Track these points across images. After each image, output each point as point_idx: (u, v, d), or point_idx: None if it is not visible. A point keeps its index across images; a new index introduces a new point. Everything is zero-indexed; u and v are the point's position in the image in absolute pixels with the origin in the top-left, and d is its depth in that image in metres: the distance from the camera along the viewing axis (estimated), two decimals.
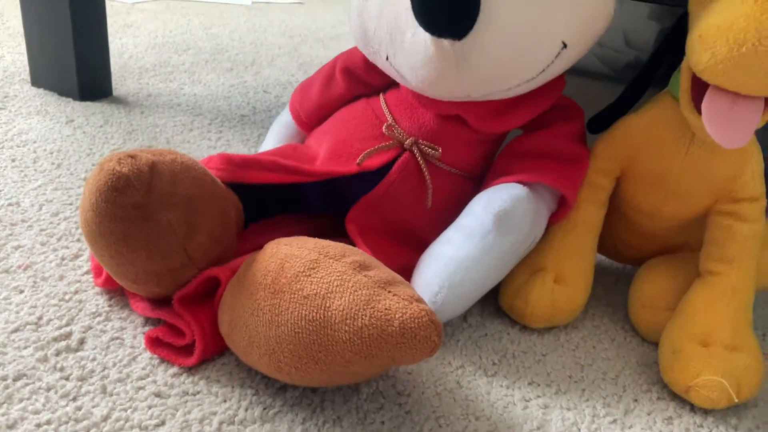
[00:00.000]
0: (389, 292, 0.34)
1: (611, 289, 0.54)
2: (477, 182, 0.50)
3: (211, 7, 1.56)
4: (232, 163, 0.46)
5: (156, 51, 1.12)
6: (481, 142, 0.49)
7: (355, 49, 0.53)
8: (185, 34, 1.26)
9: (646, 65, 0.47)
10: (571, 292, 0.47)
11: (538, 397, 0.42)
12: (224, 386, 0.39)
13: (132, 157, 0.37)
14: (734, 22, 0.35)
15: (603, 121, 0.49)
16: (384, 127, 0.48)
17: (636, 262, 0.51)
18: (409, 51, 0.43)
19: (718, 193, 0.44)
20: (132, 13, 1.39)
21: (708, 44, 0.36)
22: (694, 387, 0.40)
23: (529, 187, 0.45)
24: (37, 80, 0.87)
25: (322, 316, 0.34)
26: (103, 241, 0.38)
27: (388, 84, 0.52)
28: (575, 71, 1.24)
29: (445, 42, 0.40)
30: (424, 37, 0.41)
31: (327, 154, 0.49)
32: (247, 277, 0.37)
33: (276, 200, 0.52)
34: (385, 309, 0.33)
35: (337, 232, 0.49)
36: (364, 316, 0.33)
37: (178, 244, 0.39)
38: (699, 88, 0.39)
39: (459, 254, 0.42)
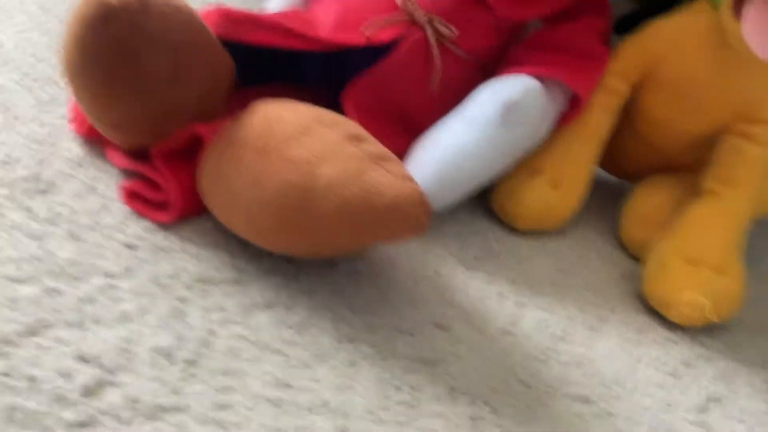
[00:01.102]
0: (382, 167, 0.33)
1: (606, 203, 0.53)
2: (487, 73, 0.48)
3: None
4: (230, 18, 0.43)
5: None
6: (499, 30, 0.46)
7: None
8: None
9: None
10: (565, 199, 0.46)
11: (515, 295, 0.41)
12: (198, 245, 0.38)
13: None
14: None
15: (632, 22, 0.45)
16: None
17: (635, 179, 0.50)
18: None
19: (738, 111, 0.42)
20: None
21: None
22: (674, 302, 0.40)
23: (542, 82, 0.42)
24: None
25: (308, 182, 0.32)
26: (84, 77, 0.35)
27: None
28: None
29: None
30: None
31: (334, 22, 0.46)
32: (232, 135, 0.35)
33: (271, 66, 0.49)
34: (376, 182, 0.32)
35: (332, 108, 0.46)
36: (353, 187, 0.31)
37: (162, 90, 0.36)
38: None
39: (458, 142, 0.40)
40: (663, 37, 0.43)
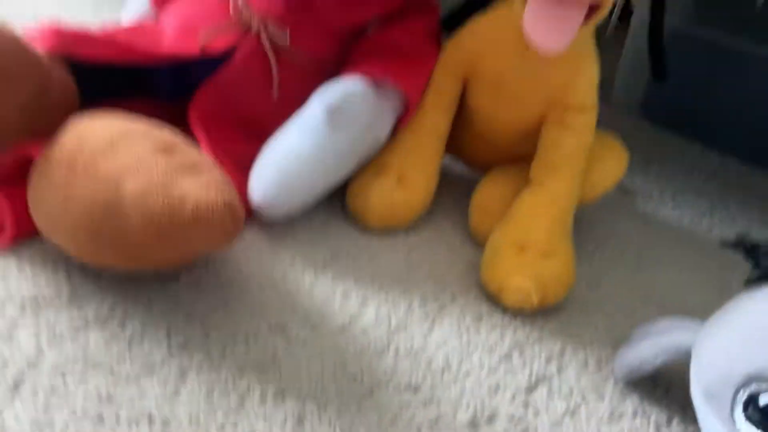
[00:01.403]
0: (189, 176, 0.34)
1: (461, 196, 0.55)
2: (330, 75, 0.49)
3: None
4: (63, 36, 0.43)
5: None
6: (334, 33, 0.48)
7: None
8: None
9: None
10: (412, 195, 0.48)
11: (359, 291, 0.43)
12: (36, 266, 0.39)
13: None
14: None
15: (457, 19, 0.48)
16: (230, 6, 0.46)
17: (483, 169, 0.52)
18: None
19: (550, 100, 0.44)
20: None
21: None
22: (504, 287, 0.43)
23: (373, 85, 0.44)
24: None
25: (114, 197, 0.33)
26: None
27: None
28: None
29: None
30: None
31: (172, 34, 0.47)
32: (48, 152, 0.36)
33: (125, 82, 0.50)
34: (180, 194, 0.33)
35: (184, 122, 0.47)
36: (157, 198, 0.33)
37: None
38: None
39: (292, 147, 0.42)
40: (479, 35, 0.45)
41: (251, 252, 0.44)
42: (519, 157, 0.49)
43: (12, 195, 0.39)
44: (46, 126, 0.41)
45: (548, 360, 0.41)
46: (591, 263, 0.52)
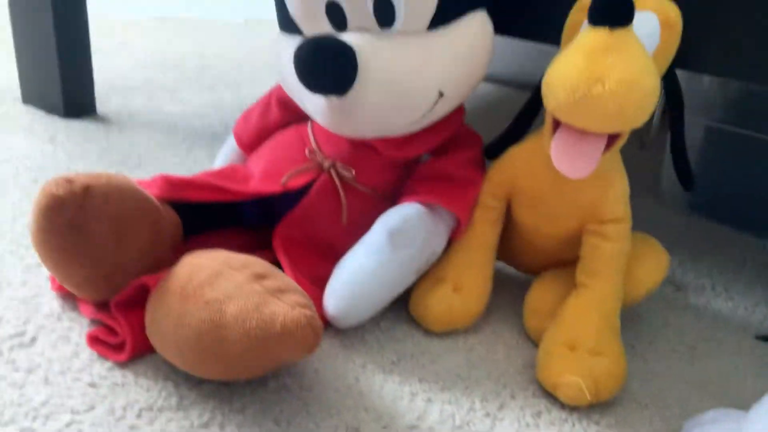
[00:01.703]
0: (278, 298, 0.41)
1: (515, 298, 0.60)
2: (390, 201, 0.57)
3: (204, 25, 1.63)
4: (171, 183, 0.53)
5: (143, 69, 1.19)
6: (393, 166, 0.56)
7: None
8: (174, 52, 1.34)
9: (532, 97, 0.53)
10: (468, 300, 0.53)
11: (425, 392, 0.48)
12: (149, 379, 0.46)
13: (69, 180, 0.44)
14: (568, 74, 0.41)
15: (497, 148, 0.55)
16: (306, 150, 0.55)
17: (535, 273, 0.57)
18: (311, 101, 0.51)
19: (585, 216, 0.50)
20: (126, 30, 1.47)
21: (552, 90, 0.42)
22: (558, 385, 0.46)
23: (428, 207, 0.51)
24: (27, 98, 0.95)
25: (218, 318, 0.40)
26: (43, 251, 0.45)
27: None
28: (522, 85, 1.29)
29: (331, 97, 0.47)
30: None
31: (259, 174, 0.56)
32: (164, 284, 0.44)
33: (218, 215, 0.59)
34: (271, 313, 0.40)
35: (270, 245, 0.56)
36: (252, 319, 0.39)
37: (107, 254, 0.45)
38: (558, 124, 0.45)
39: (360, 267, 0.49)
40: (515, 162, 0.52)
41: (328, 358, 0.50)
42: (565, 261, 0.54)
43: (131, 318, 0.47)
44: (160, 259, 0.50)
45: None
46: (645, 358, 0.55)
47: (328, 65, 0.46)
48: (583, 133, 0.43)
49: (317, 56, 0.46)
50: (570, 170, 0.44)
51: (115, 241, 0.46)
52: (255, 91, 1.14)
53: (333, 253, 0.54)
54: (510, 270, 0.63)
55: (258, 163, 0.58)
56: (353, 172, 0.54)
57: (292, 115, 0.60)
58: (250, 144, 0.63)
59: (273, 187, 0.54)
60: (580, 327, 0.48)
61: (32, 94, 0.94)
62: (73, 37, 0.89)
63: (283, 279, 0.43)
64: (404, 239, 0.49)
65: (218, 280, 0.41)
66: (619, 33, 0.41)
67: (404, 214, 0.49)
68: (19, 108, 0.93)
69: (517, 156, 0.52)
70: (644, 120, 0.42)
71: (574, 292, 0.50)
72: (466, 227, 0.53)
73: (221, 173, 0.57)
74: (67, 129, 0.87)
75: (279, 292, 0.41)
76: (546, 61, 0.46)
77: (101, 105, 0.97)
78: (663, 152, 0.88)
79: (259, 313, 0.40)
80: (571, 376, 0.45)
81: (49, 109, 0.92)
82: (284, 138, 0.59)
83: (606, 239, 0.49)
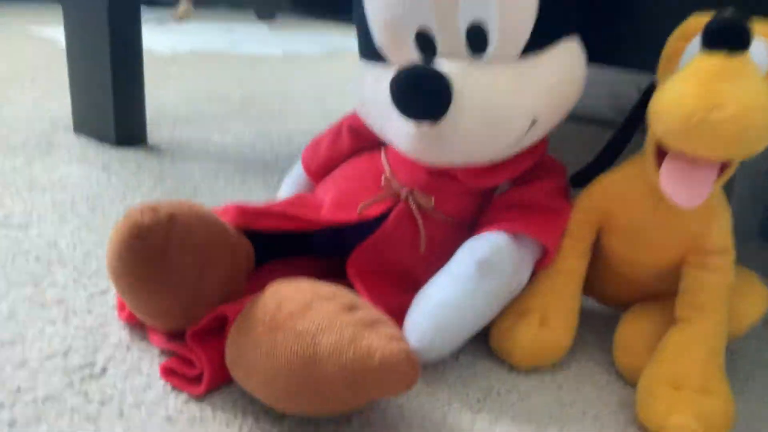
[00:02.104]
0: (373, 331, 0.38)
1: (601, 333, 0.57)
2: (468, 228, 0.54)
3: (245, 59, 1.66)
4: (244, 212, 0.51)
5: (190, 101, 1.20)
6: (471, 194, 0.54)
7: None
8: (218, 84, 1.35)
9: (623, 126, 0.51)
10: (555, 335, 0.50)
11: None
12: (228, 413, 0.43)
13: (153, 209, 0.42)
14: (682, 100, 0.39)
15: (585, 177, 0.52)
16: (383, 178, 0.53)
17: (622, 307, 0.54)
18: (396, 128, 0.49)
19: (687, 247, 0.47)
20: (172, 64, 1.49)
21: (662, 117, 0.40)
22: (665, 427, 0.43)
23: (514, 237, 0.49)
24: (78, 127, 0.95)
25: (312, 352, 0.38)
26: (124, 281, 0.43)
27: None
28: (588, 120, 1.28)
29: (424, 124, 0.46)
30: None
31: (331, 203, 0.54)
32: (249, 314, 0.42)
33: (287, 243, 0.57)
34: (368, 346, 0.37)
35: (340, 274, 0.53)
36: (348, 352, 0.37)
37: (189, 285, 0.44)
38: (663, 152, 0.43)
39: (445, 298, 0.46)
40: (610, 189, 0.50)
41: (410, 393, 0.47)
42: (657, 293, 0.51)
43: (208, 348, 0.45)
44: (236, 289, 0.48)
45: None
46: (743, 395, 0.51)
47: (426, 91, 0.45)
48: (694, 161, 0.41)
49: (415, 83, 0.45)
50: (683, 199, 0.41)
51: (198, 271, 0.44)
52: (299, 122, 1.13)
53: (409, 283, 0.52)
54: (589, 302, 0.60)
55: (329, 192, 0.56)
56: (432, 201, 0.52)
57: (364, 144, 0.59)
58: (318, 172, 0.62)
59: (348, 216, 0.53)
60: (685, 364, 0.44)
61: (84, 124, 0.94)
62: (128, 68, 0.90)
63: (373, 310, 0.41)
64: (493, 269, 0.46)
65: (309, 311, 0.39)
66: (737, 58, 0.39)
67: (492, 243, 0.47)
68: (71, 137, 0.93)
69: (610, 184, 0.50)
70: (761, 147, 0.40)
71: (675, 328, 0.47)
72: (553, 258, 0.51)
73: (292, 202, 0.55)
74: (120, 158, 0.87)
75: (372, 324, 0.39)
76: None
77: (151, 135, 0.97)
78: (733, 179, 0.85)
79: (354, 346, 0.37)
80: (681, 417, 0.42)
81: (101, 138, 0.93)
82: (357, 166, 0.57)
83: (710, 271, 0.46)
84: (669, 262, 0.48)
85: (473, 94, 0.46)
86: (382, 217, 0.53)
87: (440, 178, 0.53)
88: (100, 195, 0.75)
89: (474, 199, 0.54)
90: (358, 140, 0.59)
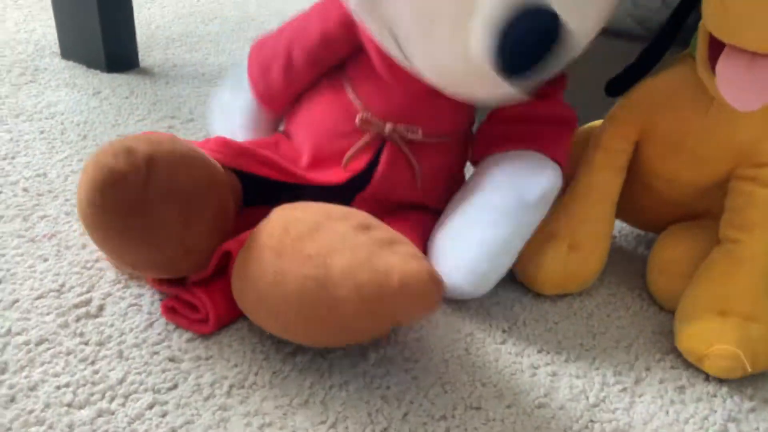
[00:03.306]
0: (390, 250, 0.34)
1: (630, 256, 0.53)
2: (463, 139, 0.50)
3: None
4: (229, 148, 0.45)
5: (183, 21, 1.12)
6: (464, 106, 0.48)
7: (307, 27, 0.49)
8: (213, 3, 1.27)
9: (667, 24, 0.45)
10: (585, 260, 0.46)
11: (547, 364, 0.41)
12: (236, 351, 0.40)
13: (128, 151, 0.36)
14: None
15: (622, 84, 0.47)
16: (357, 120, 0.46)
17: (657, 229, 0.50)
18: (452, 60, 0.40)
19: (739, 158, 0.42)
20: None
21: (715, 5, 0.34)
22: (708, 356, 0.40)
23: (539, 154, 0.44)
24: (66, 52, 0.89)
25: (323, 274, 0.34)
26: (99, 233, 0.38)
27: (349, 54, 0.49)
28: (608, 32, 1.20)
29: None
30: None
31: (311, 158, 0.48)
32: (254, 240, 0.38)
33: (276, 187, 0.51)
34: (385, 265, 0.33)
35: None
36: (363, 273, 0.33)
37: (174, 236, 0.39)
38: (716, 48, 0.37)
39: (494, 238, 0.43)
40: (654, 95, 0.44)
41: (428, 326, 0.44)
42: (696, 215, 0.47)
43: (213, 291, 0.41)
44: (225, 233, 0.42)
45: None
46: None
47: (544, 45, 0.37)
48: (754, 56, 0.35)
49: (535, 37, 0.36)
50: (741, 101, 0.36)
51: (183, 222, 0.39)
52: None
53: (416, 210, 0.48)
54: (617, 222, 0.56)
55: (302, 138, 0.50)
56: (419, 131, 0.46)
57: (322, 68, 0.50)
58: (274, 103, 0.53)
59: (336, 176, 0.47)
60: (732, 289, 0.41)
61: (72, 49, 0.88)
62: None
63: (390, 230, 0.37)
64: (539, 208, 0.43)
65: (318, 233, 0.35)
66: None
67: (551, 180, 0.43)
68: (59, 63, 0.87)
69: (652, 89, 0.44)
70: None
71: (719, 249, 0.43)
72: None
73: (269, 146, 0.49)
74: (111, 83, 0.81)
75: (389, 243, 0.35)
76: None
77: (143, 58, 0.91)
78: None
79: (370, 266, 0.33)
80: (727, 345, 0.39)
81: (90, 63, 0.86)
82: (324, 106, 0.49)
83: (762, 185, 0.41)
84: (715, 178, 0.44)
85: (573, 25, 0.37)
86: (371, 162, 0.47)
87: (422, 96, 0.46)
88: (91, 122, 0.70)
89: (461, 109, 0.48)
90: (316, 69, 0.50)
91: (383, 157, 0.47)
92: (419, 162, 0.47)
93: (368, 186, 0.47)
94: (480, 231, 0.43)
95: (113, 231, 0.37)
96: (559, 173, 0.45)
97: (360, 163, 0.47)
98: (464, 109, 0.49)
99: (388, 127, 0.46)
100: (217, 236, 0.41)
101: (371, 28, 0.43)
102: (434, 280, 0.34)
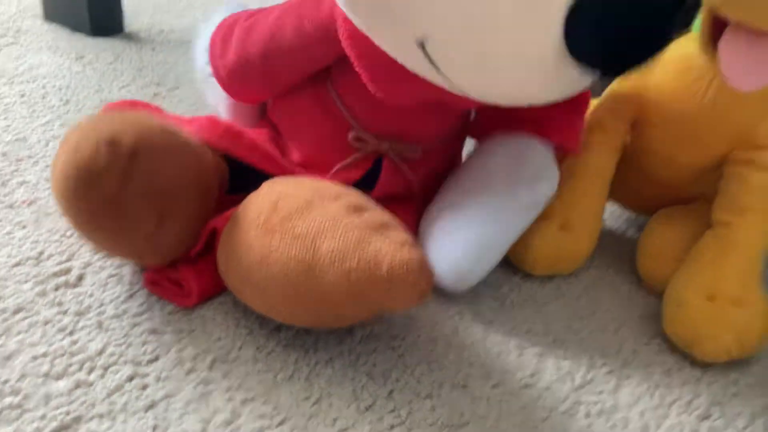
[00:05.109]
0: (381, 235, 0.33)
1: (620, 239, 0.53)
2: (457, 134, 0.49)
3: None
4: (220, 132, 0.43)
5: None
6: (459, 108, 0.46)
7: (282, 27, 0.43)
8: None
9: None
10: (576, 240, 0.46)
11: (534, 345, 0.41)
12: (219, 325, 0.40)
13: (113, 143, 0.34)
14: None
15: None
16: (350, 137, 0.44)
17: (649, 212, 0.49)
18: (514, 58, 0.34)
19: (736, 140, 0.41)
20: None
21: None
22: (696, 340, 0.39)
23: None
24: (49, 15, 0.86)
25: (311, 257, 0.33)
26: (72, 221, 0.37)
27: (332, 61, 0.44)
28: None
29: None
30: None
31: (301, 159, 0.46)
32: (241, 216, 0.37)
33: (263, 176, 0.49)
34: (375, 252, 0.32)
35: None
36: (352, 259, 0.32)
37: (144, 235, 0.37)
38: (719, 27, 0.36)
39: (494, 229, 0.42)
40: (648, 78, 0.43)
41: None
42: (690, 197, 0.47)
43: (197, 265, 0.40)
44: (208, 218, 0.41)
45: (753, 417, 0.38)
46: None
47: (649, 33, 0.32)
48: (758, 36, 0.35)
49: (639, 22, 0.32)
50: (743, 81, 0.35)
51: (155, 219, 0.37)
52: None
53: (412, 208, 0.47)
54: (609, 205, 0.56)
55: (290, 142, 0.47)
56: (419, 149, 0.45)
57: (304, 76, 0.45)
58: (255, 101, 0.50)
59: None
60: (722, 273, 0.40)
61: (55, 11, 0.85)
62: None
63: (383, 213, 0.36)
64: (537, 208, 0.43)
65: (309, 211, 0.34)
66: None
67: (540, 169, 0.42)
68: (42, 26, 0.84)
69: (650, 69, 0.43)
70: None
71: (711, 232, 0.42)
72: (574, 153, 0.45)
73: (259, 137, 0.46)
74: (95, 47, 0.79)
75: (381, 227, 0.34)
76: None
77: (129, 23, 0.88)
78: None
79: (360, 251, 0.32)
80: (715, 330, 0.39)
81: (75, 26, 0.84)
82: (311, 119, 0.45)
83: (757, 168, 0.41)
84: (711, 160, 0.43)
85: None
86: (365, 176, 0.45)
87: (416, 109, 0.43)
88: (73, 87, 0.68)
89: (462, 112, 0.47)
90: (294, 77, 0.45)
91: (381, 178, 0.44)
92: (415, 171, 0.46)
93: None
94: (468, 229, 0.41)
95: (83, 225, 0.36)
96: (557, 174, 0.44)
97: (354, 175, 0.44)
98: (459, 111, 0.47)
99: (385, 144, 0.44)
100: (191, 234, 0.40)
101: (382, 36, 0.37)
102: (424, 270, 0.33)
